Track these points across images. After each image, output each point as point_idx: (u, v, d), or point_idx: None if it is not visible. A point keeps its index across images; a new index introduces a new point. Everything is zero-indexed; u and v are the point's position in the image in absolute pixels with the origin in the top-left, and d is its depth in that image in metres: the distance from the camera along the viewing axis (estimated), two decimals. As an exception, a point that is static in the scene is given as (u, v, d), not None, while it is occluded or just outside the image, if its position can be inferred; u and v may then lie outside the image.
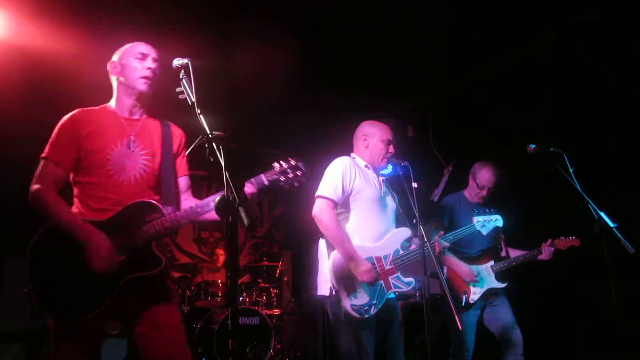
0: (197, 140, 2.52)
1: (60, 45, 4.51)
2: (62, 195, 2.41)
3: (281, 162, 2.59)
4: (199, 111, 2.11)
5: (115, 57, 2.62)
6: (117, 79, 2.59)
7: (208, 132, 1.99)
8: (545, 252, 4.25)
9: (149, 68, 2.52)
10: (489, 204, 4.23)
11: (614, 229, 3.18)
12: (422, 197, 4.43)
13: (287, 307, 6.78)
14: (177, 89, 2.36)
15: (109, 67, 2.61)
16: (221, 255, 7.15)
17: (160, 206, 2.44)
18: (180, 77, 2.29)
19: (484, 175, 4.34)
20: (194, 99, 2.17)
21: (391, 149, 3.48)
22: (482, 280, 4.16)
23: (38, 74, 4.79)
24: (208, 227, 7.36)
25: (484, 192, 4.34)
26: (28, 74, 4.77)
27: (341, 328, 3.14)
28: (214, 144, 1.95)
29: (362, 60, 5.20)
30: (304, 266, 7.35)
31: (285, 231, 8.24)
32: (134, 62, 2.55)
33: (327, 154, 3.58)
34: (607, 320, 3.18)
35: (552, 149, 3.51)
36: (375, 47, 5.04)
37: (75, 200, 2.49)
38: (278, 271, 6.80)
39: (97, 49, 4.39)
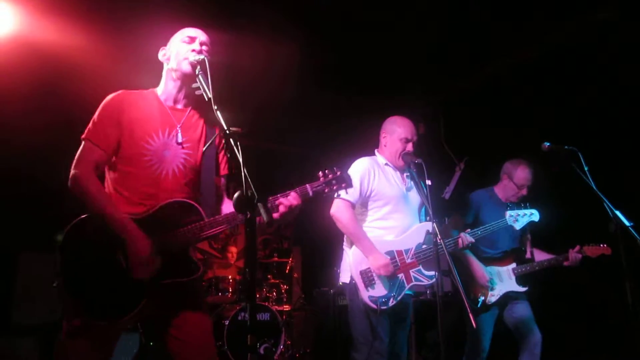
0: (213, 137, 2.47)
1: (71, 40, 4.50)
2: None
3: (327, 171, 2.47)
4: (215, 107, 2.08)
5: (166, 44, 2.54)
6: (165, 65, 2.50)
7: (225, 128, 1.97)
8: (572, 258, 4.09)
9: (194, 50, 2.40)
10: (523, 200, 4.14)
11: (629, 227, 3.15)
12: (435, 194, 4.40)
13: (297, 303, 6.79)
14: (194, 85, 2.36)
15: (159, 53, 2.52)
16: (233, 251, 7.17)
17: (200, 208, 2.32)
18: (197, 72, 2.27)
19: (521, 174, 4.20)
20: (210, 95, 2.14)
21: (409, 147, 3.48)
22: (501, 282, 4.07)
23: (49, 69, 4.79)
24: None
25: (524, 192, 4.19)
26: (39, 69, 4.78)
27: (357, 315, 3.22)
28: (231, 140, 1.93)
29: (376, 58, 5.19)
30: (314, 262, 7.35)
31: (295, 228, 8.25)
32: (180, 45, 2.45)
33: (346, 152, 3.59)
34: (621, 322, 3.14)
35: (566, 147, 3.48)
36: (389, 45, 5.03)
37: (107, 186, 2.38)
38: (288, 267, 6.82)
39: (107, 42, 4.45)
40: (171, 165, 2.37)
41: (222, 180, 2.57)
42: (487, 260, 4.13)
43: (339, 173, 2.46)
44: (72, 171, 2.27)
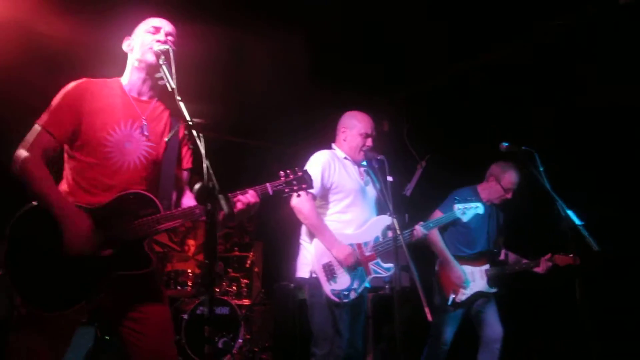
0: (175, 127, 2.42)
1: (64, 26, 4.40)
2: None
3: (288, 171, 2.45)
4: (179, 98, 2.06)
5: (131, 34, 2.50)
6: (130, 56, 2.46)
7: (188, 119, 1.95)
8: (543, 266, 4.19)
9: (158, 41, 2.36)
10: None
11: (580, 226, 3.26)
12: (396, 191, 4.46)
13: (257, 297, 6.77)
14: (157, 75, 2.34)
15: (124, 43, 2.48)
16: (192, 245, 7.09)
17: (156, 201, 2.28)
18: (161, 63, 2.24)
19: (509, 178, 4.28)
20: (174, 86, 2.12)
21: (368, 142, 3.51)
22: (473, 282, 4.16)
23: (42, 52, 4.64)
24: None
25: (509, 195, 4.29)
26: (32, 52, 4.63)
27: (318, 309, 3.22)
28: (193, 131, 1.91)
29: (342, 54, 5.21)
30: (275, 257, 7.34)
31: (257, 222, 8.22)
32: (145, 36, 2.41)
33: (306, 145, 3.60)
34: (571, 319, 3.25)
35: (523, 148, 3.57)
36: (355, 43, 5.06)
37: (66, 175, 2.33)
38: (249, 261, 6.79)
39: (99, 29, 4.32)
40: (132, 157, 2.33)
41: (185, 173, 2.54)
42: (463, 260, 4.22)
43: (300, 173, 2.45)
44: (20, 153, 2.20)
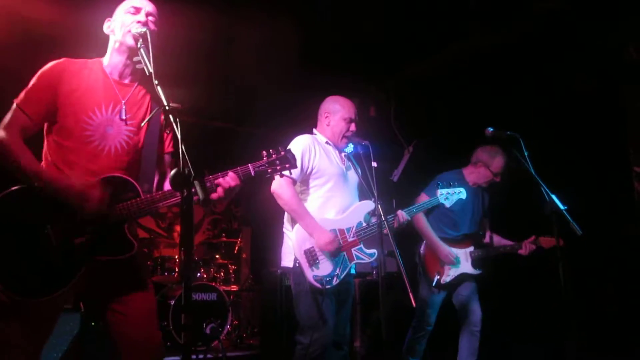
0: (153, 112, 2.37)
1: (46, 8, 4.32)
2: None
3: (270, 151, 2.37)
4: (156, 82, 2.00)
5: (112, 15, 2.43)
6: (111, 37, 2.39)
7: (165, 103, 1.91)
8: (525, 248, 4.25)
9: (139, 22, 2.29)
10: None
11: (563, 211, 3.27)
12: (382, 176, 4.46)
13: (245, 283, 6.79)
14: (135, 58, 2.29)
15: (104, 25, 2.42)
16: (179, 230, 7.07)
17: (136, 185, 2.24)
18: (138, 46, 2.18)
19: (499, 163, 4.30)
20: (151, 70, 2.06)
21: (352, 127, 3.48)
22: (458, 263, 4.20)
23: (24, 35, 4.54)
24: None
25: (498, 179, 4.32)
26: (14, 35, 4.53)
27: (302, 298, 3.19)
28: (170, 115, 1.87)
29: (328, 39, 5.17)
30: (263, 243, 7.34)
31: (245, 208, 8.20)
32: (125, 17, 2.34)
33: (291, 130, 3.56)
34: (558, 302, 3.28)
35: (508, 133, 3.57)
36: (341, 26, 5.02)
37: (46, 158, 2.28)
38: (237, 248, 6.80)
39: (81, 10, 4.23)
40: (113, 142, 2.29)
41: (167, 157, 2.51)
42: (447, 242, 4.26)
43: (282, 153, 2.38)
44: None
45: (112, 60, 2.38)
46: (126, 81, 2.39)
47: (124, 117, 2.32)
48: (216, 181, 2.24)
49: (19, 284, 2.06)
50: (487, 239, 4.45)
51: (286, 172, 2.40)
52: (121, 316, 2.23)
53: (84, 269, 2.13)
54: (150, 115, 2.33)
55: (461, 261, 4.23)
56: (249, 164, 2.33)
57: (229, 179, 2.25)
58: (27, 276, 2.07)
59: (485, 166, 4.37)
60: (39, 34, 4.53)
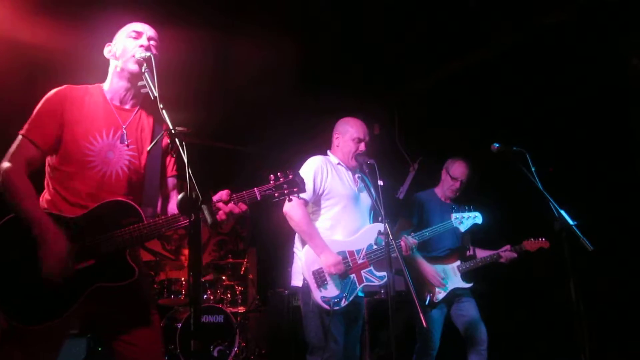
0: (158, 136, 2.37)
1: (44, 34, 4.35)
2: (32, 179, 2.20)
3: (278, 174, 2.32)
4: (161, 106, 2.01)
5: (113, 40, 2.44)
6: (112, 62, 2.39)
7: (171, 127, 1.91)
8: (505, 256, 4.27)
9: (142, 46, 2.30)
10: (466, 202, 4.23)
11: (573, 226, 3.23)
12: (389, 194, 4.45)
13: (252, 304, 6.72)
14: (139, 83, 2.28)
15: (105, 49, 2.42)
16: (186, 253, 7.03)
17: (139, 209, 2.21)
18: (143, 70, 2.19)
19: (457, 168, 4.37)
20: (156, 94, 2.06)
21: (361, 147, 3.49)
22: (448, 280, 4.17)
23: (32, 67, 4.60)
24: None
25: (457, 185, 4.35)
26: (12, 62, 4.58)
27: (311, 318, 3.19)
28: (177, 139, 1.87)
29: (332, 58, 5.20)
30: (269, 263, 7.30)
31: (251, 228, 8.17)
32: (126, 42, 2.34)
33: (299, 151, 3.57)
34: (566, 318, 3.23)
35: (514, 148, 3.55)
36: (345, 46, 5.05)
37: (48, 186, 2.28)
38: (243, 268, 6.75)
39: (79, 36, 4.28)
40: (115, 167, 2.29)
41: (171, 180, 2.49)
42: (433, 259, 4.23)
43: (291, 176, 2.33)
44: (4, 165, 2.15)
45: (112, 85, 2.39)
46: (127, 106, 2.40)
47: (126, 142, 2.32)
48: (217, 205, 2.19)
49: (20, 311, 2.05)
50: (470, 252, 4.44)
51: (294, 196, 2.35)
52: (125, 342, 2.21)
53: (85, 296, 2.11)
54: (156, 139, 2.33)
55: (450, 276, 4.20)
56: (255, 188, 2.29)
57: (231, 206, 2.20)
58: (28, 303, 2.05)
59: (446, 172, 4.43)
60: (38, 62, 4.58)
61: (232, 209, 2.20)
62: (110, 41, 2.45)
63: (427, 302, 4.13)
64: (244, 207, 2.22)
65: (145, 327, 2.27)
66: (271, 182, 2.32)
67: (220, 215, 2.17)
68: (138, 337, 2.23)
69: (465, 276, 4.22)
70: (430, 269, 4.12)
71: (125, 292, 2.20)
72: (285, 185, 2.32)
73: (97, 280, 2.13)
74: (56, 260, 2.04)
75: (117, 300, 2.20)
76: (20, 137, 2.22)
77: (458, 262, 4.26)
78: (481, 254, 4.42)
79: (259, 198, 2.27)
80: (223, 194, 2.22)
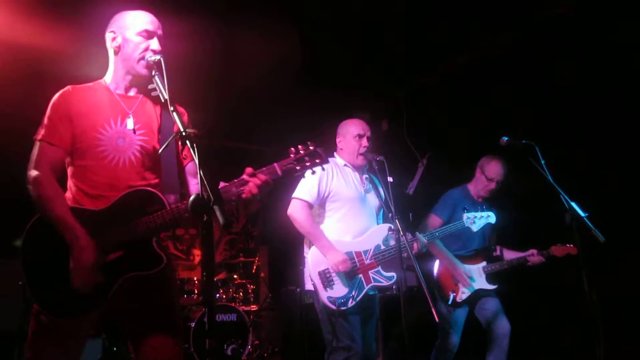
0: (170, 137, 2.37)
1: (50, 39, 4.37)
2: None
3: (299, 147, 2.24)
4: (172, 108, 2.03)
5: (115, 26, 2.35)
6: (115, 52, 2.35)
7: (182, 129, 1.93)
8: (533, 260, 4.22)
9: (153, 50, 2.27)
10: (486, 200, 4.21)
11: (585, 218, 3.23)
12: (398, 190, 4.44)
13: (264, 302, 6.76)
14: (150, 86, 2.26)
15: (107, 36, 2.36)
16: (197, 253, 7.08)
17: (161, 196, 2.21)
18: (153, 74, 2.20)
19: (493, 168, 4.25)
20: (166, 96, 2.08)
21: (364, 142, 3.49)
22: (472, 281, 4.13)
23: (29, 69, 4.63)
24: (184, 225, 7.19)
25: (492, 185, 4.24)
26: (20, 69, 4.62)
27: (325, 319, 3.23)
28: (188, 142, 1.89)
29: (340, 54, 5.19)
30: (281, 261, 7.33)
31: (262, 227, 8.20)
32: (137, 40, 2.30)
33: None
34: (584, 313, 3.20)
35: (524, 142, 3.54)
36: (352, 42, 5.04)
37: (69, 184, 2.31)
38: (255, 267, 6.78)
39: (80, 36, 4.30)
40: (127, 153, 2.29)
41: (188, 167, 2.46)
42: (460, 259, 4.19)
43: (312, 148, 2.25)
44: (30, 173, 2.19)
45: (115, 76, 2.38)
46: (131, 93, 2.40)
47: (133, 128, 2.32)
48: (251, 181, 2.16)
49: (55, 303, 2.11)
50: (497, 252, 4.40)
51: (317, 168, 2.26)
52: (148, 349, 2.21)
53: (116, 288, 2.14)
54: (168, 141, 2.31)
55: (475, 278, 4.16)
56: (275, 163, 2.22)
57: (251, 186, 2.16)
58: (64, 295, 2.10)
59: (481, 172, 4.33)
60: (38, 62, 4.59)
61: (255, 182, 2.15)
62: (110, 27, 2.37)
63: (450, 302, 4.11)
64: (263, 177, 2.17)
65: (168, 330, 2.26)
66: (291, 155, 2.25)
67: (246, 193, 2.15)
68: (159, 340, 2.22)
69: (490, 277, 4.18)
70: (462, 269, 4.10)
71: (150, 283, 2.21)
72: (306, 158, 2.24)
73: (127, 271, 2.15)
74: (85, 273, 2.08)
75: (142, 292, 2.21)
76: (37, 142, 2.25)
77: (484, 263, 4.21)
78: (508, 254, 4.36)
79: (280, 173, 2.20)
80: (246, 171, 2.20)
